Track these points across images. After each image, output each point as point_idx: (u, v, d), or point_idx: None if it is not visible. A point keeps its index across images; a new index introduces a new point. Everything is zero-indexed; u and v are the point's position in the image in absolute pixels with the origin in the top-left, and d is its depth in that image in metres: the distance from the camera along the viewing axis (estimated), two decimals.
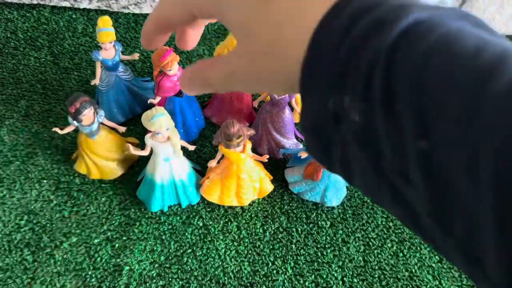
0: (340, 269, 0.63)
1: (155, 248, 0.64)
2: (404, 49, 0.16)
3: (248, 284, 0.61)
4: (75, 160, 0.71)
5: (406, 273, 0.63)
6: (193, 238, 0.65)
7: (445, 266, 0.64)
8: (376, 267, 0.64)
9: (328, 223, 0.68)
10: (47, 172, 0.71)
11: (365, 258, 0.65)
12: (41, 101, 0.80)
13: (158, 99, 0.69)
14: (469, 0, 0.90)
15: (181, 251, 0.64)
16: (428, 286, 0.62)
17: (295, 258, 0.64)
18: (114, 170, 0.70)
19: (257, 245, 0.65)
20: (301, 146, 0.74)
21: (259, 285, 0.61)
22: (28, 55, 0.87)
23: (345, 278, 0.63)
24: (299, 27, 0.19)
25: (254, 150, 0.70)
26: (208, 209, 0.68)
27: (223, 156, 0.64)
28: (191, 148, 0.67)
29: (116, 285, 0.60)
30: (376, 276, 0.63)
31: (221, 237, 0.65)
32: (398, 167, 0.17)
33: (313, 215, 0.68)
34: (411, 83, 0.16)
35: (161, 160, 0.63)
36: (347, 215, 0.69)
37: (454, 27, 0.16)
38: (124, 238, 0.65)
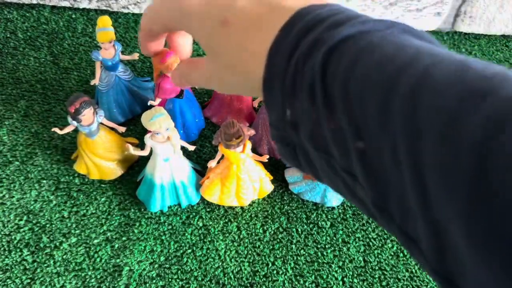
0: (340, 270, 0.63)
1: (154, 249, 0.64)
2: (333, 63, 0.18)
3: (248, 285, 0.61)
4: (74, 160, 0.71)
5: (407, 274, 0.63)
6: (193, 238, 0.65)
7: None
8: (377, 268, 0.64)
9: (328, 223, 0.68)
10: (46, 172, 0.71)
11: (366, 258, 0.64)
12: (41, 101, 0.79)
13: (158, 101, 0.68)
14: (469, 0, 0.90)
15: (181, 251, 0.64)
16: (429, 286, 0.62)
17: (295, 258, 0.64)
18: (113, 170, 0.70)
19: (257, 246, 0.65)
20: None
21: (259, 286, 0.61)
22: (27, 55, 0.86)
23: (345, 279, 0.62)
24: (258, 46, 0.21)
25: (254, 150, 0.70)
26: (208, 209, 0.68)
27: (223, 156, 0.64)
28: (191, 148, 0.67)
29: (115, 285, 0.60)
30: (377, 276, 0.63)
31: (221, 238, 0.65)
32: (346, 166, 0.19)
33: (313, 216, 0.68)
34: (341, 92, 0.18)
35: (160, 160, 0.63)
36: (347, 215, 0.69)
37: (376, 38, 0.18)
38: (123, 238, 0.65)
